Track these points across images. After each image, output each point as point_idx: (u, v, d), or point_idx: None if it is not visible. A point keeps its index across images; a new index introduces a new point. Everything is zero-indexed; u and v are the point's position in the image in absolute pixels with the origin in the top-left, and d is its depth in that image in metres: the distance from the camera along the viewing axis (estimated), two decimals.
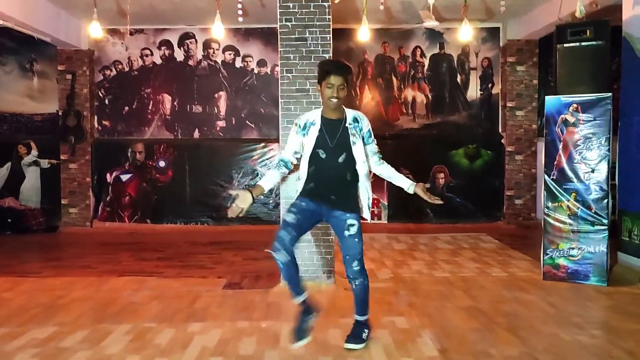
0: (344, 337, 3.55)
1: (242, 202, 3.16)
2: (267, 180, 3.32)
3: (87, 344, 3.59)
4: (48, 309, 4.35)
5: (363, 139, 3.40)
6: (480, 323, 3.96)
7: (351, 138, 3.33)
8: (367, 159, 3.44)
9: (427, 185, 3.47)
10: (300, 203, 3.37)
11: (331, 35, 5.09)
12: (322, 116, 3.37)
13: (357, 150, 3.34)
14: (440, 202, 3.43)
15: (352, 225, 3.33)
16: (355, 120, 3.39)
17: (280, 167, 3.37)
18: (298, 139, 3.38)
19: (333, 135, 3.32)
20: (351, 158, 3.33)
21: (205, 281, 5.28)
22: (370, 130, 3.45)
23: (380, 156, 3.52)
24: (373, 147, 3.47)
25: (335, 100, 3.27)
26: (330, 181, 3.35)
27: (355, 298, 3.50)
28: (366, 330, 3.54)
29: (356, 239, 3.35)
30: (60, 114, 8.73)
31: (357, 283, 3.42)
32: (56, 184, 8.79)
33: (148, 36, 8.94)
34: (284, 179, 3.41)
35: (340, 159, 3.32)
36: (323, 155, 3.31)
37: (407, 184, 3.46)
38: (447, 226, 8.50)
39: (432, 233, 8.04)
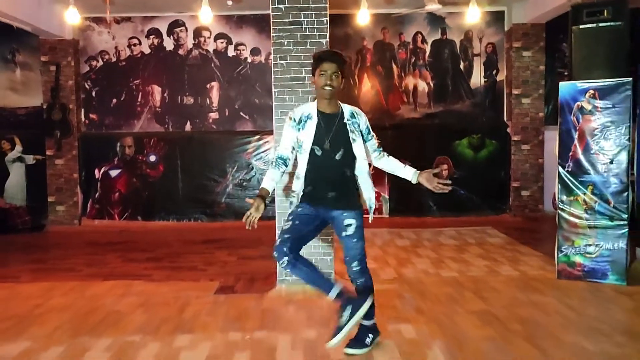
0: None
1: (256, 211, 3.00)
2: (270, 181, 3.17)
3: None
4: (22, 321, 3.98)
5: (362, 135, 3.23)
6: (495, 331, 3.65)
7: (350, 135, 3.16)
8: (368, 155, 3.29)
9: (436, 171, 3.20)
10: (297, 209, 3.22)
11: (328, 19, 4.72)
12: (317, 110, 3.16)
13: (357, 147, 3.18)
14: (448, 188, 3.16)
15: (350, 225, 3.15)
16: (353, 116, 3.22)
17: (280, 166, 3.19)
18: (293, 134, 3.16)
19: (329, 130, 3.13)
20: (351, 155, 3.17)
21: (195, 285, 4.93)
22: (369, 125, 3.29)
23: (381, 149, 3.35)
24: (373, 143, 3.31)
25: (329, 88, 3.09)
26: (328, 180, 3.16)
27: None
28: (371, 336, 3.33)
29: (354, 239, 3.17)
30: (44, 107, 8.34)
31: (358, 283, 3.25)
32: (42, 181, 8.42)
33: (136, 24, 8.53)
34: (285, 174, 3.37)
35: (338, 156, 3.14)
36: (319, 153, 3.13)
37: (410, 174, 3.26)
38: (451, 219, 8.15)
39: (436, 227, 7.70)
